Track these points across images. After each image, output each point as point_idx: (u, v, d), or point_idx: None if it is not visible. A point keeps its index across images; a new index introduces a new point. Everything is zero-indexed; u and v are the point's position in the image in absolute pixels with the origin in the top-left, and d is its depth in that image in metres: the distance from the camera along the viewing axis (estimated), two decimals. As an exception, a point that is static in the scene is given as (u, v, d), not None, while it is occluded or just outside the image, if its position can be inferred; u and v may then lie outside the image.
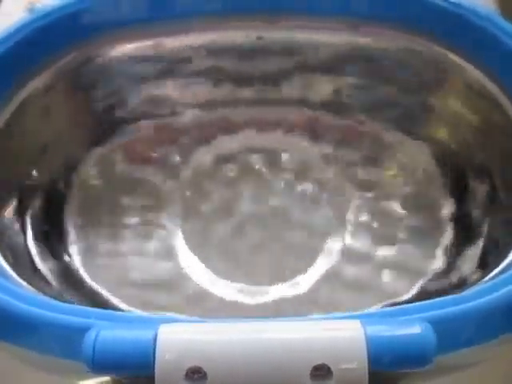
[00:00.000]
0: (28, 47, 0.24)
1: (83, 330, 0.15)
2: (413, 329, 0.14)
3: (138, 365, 0.14)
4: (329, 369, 0.14)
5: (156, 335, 0.14)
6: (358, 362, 0.14)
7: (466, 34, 0.25)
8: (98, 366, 0.14)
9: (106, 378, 0.17)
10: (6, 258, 0.21)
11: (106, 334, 0.15)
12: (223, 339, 0.14)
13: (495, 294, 0.17)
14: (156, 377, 0.14)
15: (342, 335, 0.14)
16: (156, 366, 0.14)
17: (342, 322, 0.15)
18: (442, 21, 0.25)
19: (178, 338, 0.14)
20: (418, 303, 0.16)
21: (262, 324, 0.15)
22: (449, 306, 0.16)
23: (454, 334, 0.16)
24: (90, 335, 0.15)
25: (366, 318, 0.15)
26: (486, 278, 0.21)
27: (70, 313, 0.16)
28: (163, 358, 0.14)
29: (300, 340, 0.14)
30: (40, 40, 0.24)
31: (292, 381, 0.14)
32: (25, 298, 0.17)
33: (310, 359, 0.14)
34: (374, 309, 0.23)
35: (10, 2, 0.50)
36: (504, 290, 0.17)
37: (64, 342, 0.16)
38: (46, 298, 0.18)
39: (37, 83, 0.25)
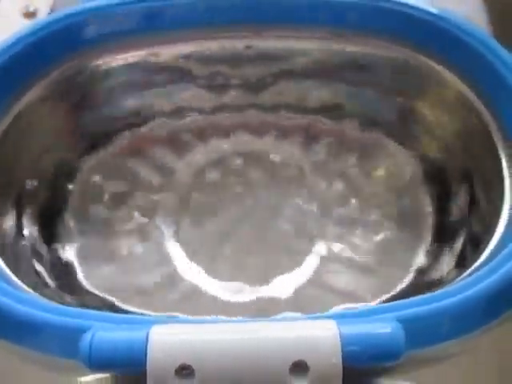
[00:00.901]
0: (24, 60, 0.25)
1: (80, 331, 0.17)
2: (383, 327, 0.16)
3: (132, 363, 0.16)
4: (306, 365, 0.15)
5: (148, 335, 0.16)
6: (333, 359, 0.15)
7: (452, 48, 0.26)
8: (94, 365, 0.16)
9: (106, 375, 0.19)
10: (6, 260, 0.23)
11: (101, 335, 0.16)
12: (210, 339, 0.16)
13: (463, 294, 0.19)
14: (148, 374, 0.16)
15: (319, 334, 0.16)
16: (148, 364, 0.16)
17: (319, 322, 0.16)
18: (425, 33, 0.26)
19: (167, 338, 0.16)
20: (389, 303, 0.18)
21: (246, 324, 0.16)
22: (418, 305, 0.18)
23: (423, 332, 0.18)
24: (87, 336, 0.16)
25: (341, 318, 0.16)
26: (460, 277, 0.23)
27: (68, 315, 0.18)
28: (154, 356, 0.16)
29: (280, 339, 0.16)
30: (36, 53, 0.25)
31: (273, 376, 0.15)
32: (25, 300, 0.18)
33: (289, 356, 0.15)
34: (357, 308, 0.24)
35: (6, 5, 0.51)
36: (472, 290, 0.19)
37: (63, 343, 0.17)
38: (46, 301, 0.19)
39: (33, 94, 0.26)
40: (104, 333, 0.16)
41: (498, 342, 0.23)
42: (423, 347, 0.18)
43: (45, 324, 0.17)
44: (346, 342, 0.16)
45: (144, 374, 0.16)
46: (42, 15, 0.49)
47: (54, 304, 0.19)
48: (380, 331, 0.16)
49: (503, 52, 0.25)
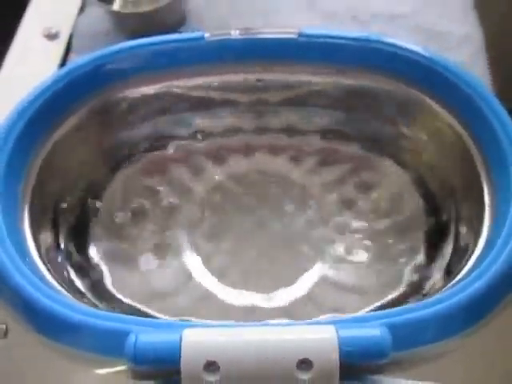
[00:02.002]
0: (62, 96, 0.29)
1: (124, 334, 0.21)
2: (373, 332, 0.20)
3: (168, 360, 0.20)
4: (310, 362, 0.19)
5: (181, 337, 0.20)
6: (332, 357, 0.19)
7: (432, 80, 0.30)
8: (139, 362, 0.20)
9: (123, 367, 0.22)
10: (49, 271, 0.26)
11: (143, 337, 0.20)
12: (232, 340, 0.20)
13: (445, 303, 0.23)
14: (182, 369, 0.19)
15: (321, 337, 0.20)
16: (182, 361, 0.19)
17: (321, 327, 0.20)
18: (411, 69, 0.30)
19: (197, 339, 0.20)
20: (380, 312, 0.22)
21: (261, 328, 0.20)
22: (404, 313, 0.22)
23: (407, 336, 0.21)
24: (131, 338, 0.20)
25: (339, 324, 0.20)
26: (446, 287, 0.26)
27: (112, 320, 0.21)
28: (187, 355, 0.19)
29: (289, 341, 0.20)
30: (70, 90, 0.29)
31: (283, 371, 0.19)
32: (77, 309, 0.22)
33: (297, 354, 0.19)
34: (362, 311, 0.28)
35: (29, 26, 0.55)
36: (454, 299, 0.23)
37: (109, 344, 0.21)
38: (92, 308, 0.23)
39: (69, 124, 0.30)
40: (145, 335, 0.20)
41: (484, 343, 0.27)
42: (408, 349, 0.22)
43: (94, 328, 0.21)
44: (342, 343, 0.19)
45: (178, 369, 0.19)
46: (64, 37, 0.53)
47: (101, 311, 0.23)
48: (370, 334, 0.20)
49: (480, 87, 0.29)
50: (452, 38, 0.50)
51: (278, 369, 0.19)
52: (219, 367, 0.19)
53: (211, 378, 0.19)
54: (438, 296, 0.24)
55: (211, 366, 0.19)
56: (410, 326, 0.22)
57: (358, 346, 0.19)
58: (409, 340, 0.22)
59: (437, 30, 0.51)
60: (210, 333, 0.20)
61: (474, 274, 0.24)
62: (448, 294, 0.24)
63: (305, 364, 0.19)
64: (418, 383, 0.21)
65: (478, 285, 0.23)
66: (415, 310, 0.22)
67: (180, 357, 0.19)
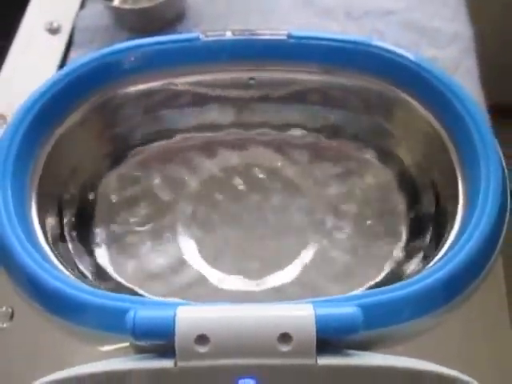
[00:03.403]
0: (66, 92, 0.32)
1: (125, 312, 0.23)
2: (347, 310, 0.23)
3: (164, 333, 0.22)
4: (290, 335, 0.22)
5: (175, 313, 0.23)
6: (309, 331, 0.22)
7: (420, 85, 0.32)
8: (137, 335, 0.22)
9: (125, 344, 0.25)
10: (56, 257, 0.29)
11: (141, 313, 0.23)
12: (220, 316, 0.23)
13: (415, 285, 0.26)
14: (176, 341, 0.22)
15: (300, 313, 0.23)
16: (176, 333, 0.22)
17: (300, 305, 0.23)
18: (392, 69, 0.33)
19: (190, 315, 0.23)
20: (354, 293, 0.24)
21: (246, 306, 0.23)
22: (378, 295, 0.25)
23: (381, 315, 0.24)
24: (130, 314, 0.23)
25: (317, 303, 0.23)
26: (421, 270, 0.29)
27: (114, 299, 0.24)
28: (180, 329, 0.22)
29: (271, 316, 0.22)
30: (74, 87, 0.32)
31: (265, 343, 0.22)
32: (82, 288, 0.25)
33: (278, 329, 0.22)
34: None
35: (31, 21, 0.58)
36: (421, 284, 0.26)
37: (110, 320, 0.24)
38: (97, 289, 0.26)
39: (72, 120, 0.33)
40: (143, 311, 0.23)
41: (461, 320, 0.29)
42: (383, 327, 0.25)
43: (97, 306, 0.24)
44: (319, 319, 0.22)
45: (173, 341, 0.22)
46: (66, 31, 0.55)
47: (102, 291, 0.26)
48: (344, 312, 0.23)
49: (459, 90, 0.31)
50: (443, 34, 0.53)
51: (261, 342, 0.22)
52: (209, 340, 0.22)
53: (202, 349, 0.22)
54: (410, 279, 0.27)
55: (202, 339, 0.22)
56: (383, 306, 0.24)
57: (332, 321, 0.22)
58: (382, 319, 0.25)
59: (428, 27, 0.53)
60: (201, 310, 0.23)
61: (445, 258, 0.27)
62: (420, 276, 0.26)
63: (285, 337, 0.22)
64: (389, 357, 0.24)
65: (449, 267, 0.26)
66: (387, 292, 0.25)
67: (174, 330, 0.22)
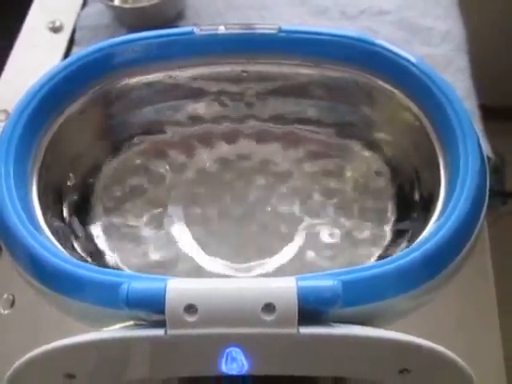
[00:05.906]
0: (67, 82, 0.34)
1: (119, 284, 0.25)
2: (327, 283, 0.24)
3: (155, 304, 0.24)
4: (273, 306, 0.24)
5: (166, 285, 0.24)
6: (291, 301, 0.24)
7: (405, 77, 0.34)
8: (130, 305, 0.24)
9: (130, 322, 0.27)
10: (55, 237, 0.31)
11: (134, 284, 0.25)
12: (208, 287, 0.24)
13: (395, 264, 0.27)
14: (166, 311, 0.24)
15: (283, 285, 0.24)
16: (166, 304, 0.24)
17: (284, 278, 0.25)
18: (377, 61, 0.35)
19: (179, 286, 0.24)
20: (337, 270, 0.26)
21: (234, 279, 0.25)
22: (359, 271, 0.26)
23: (361, 291, 0.26)
24: (124, 286, 0.25)
25: (301, 278, 0.25)
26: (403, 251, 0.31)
27: (109, 274, 0.26)
28: (170, 299, 0.24)
29: (255, 288, 0.24)
30: (75, 77, 0.34)
31: (250, 313, 0.24)
32: (81, 265, 0.27)
33: (262, 299, 0.24)
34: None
35: (34, 19, 0.60)
36: (401, 261, 0.27)
37: (106, 293, 0.26)
38: (94, 266, 0.28)
39: (72, 109, 0.35)
40: (136, 283, 0.25)
41: (445, 297, 0.30)
42: (365, 303, 0.27)
43: (94, 280, 0.26)
44: (300, 291, 0.24)
45: (163, 311, 0.24)
46: (68, 30, 0.57)
47: (99, 268, 0.27)
48: (324, 285, 0.24)
49: (441, 82, 0.33)
50: (435, 33, 0.55)
51: (246, 311, 0.24)
52: (197, 309, 0.24)
53: (191, 318, 0.24)
54: (391, 257, 0.28)
55: (191, 309, 0.24)
56: (364, 281, 0.26)
57: (312, 292, 0.24)
58: (364, 295, 0.26)
59: (421, 26, 0.55)
60: (190, 281, 0.25)
61: (426, 237, 0.29)
62: (402, 254, 0.28)
63: (269, 307, 0.24)
64: (370, 329, 0.26)
65: (428, 244, 0.28)
66: (369, 269, 0.27)
67: (164, 300, 0.24)
